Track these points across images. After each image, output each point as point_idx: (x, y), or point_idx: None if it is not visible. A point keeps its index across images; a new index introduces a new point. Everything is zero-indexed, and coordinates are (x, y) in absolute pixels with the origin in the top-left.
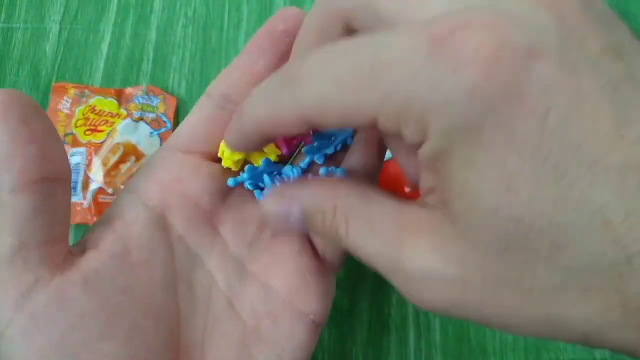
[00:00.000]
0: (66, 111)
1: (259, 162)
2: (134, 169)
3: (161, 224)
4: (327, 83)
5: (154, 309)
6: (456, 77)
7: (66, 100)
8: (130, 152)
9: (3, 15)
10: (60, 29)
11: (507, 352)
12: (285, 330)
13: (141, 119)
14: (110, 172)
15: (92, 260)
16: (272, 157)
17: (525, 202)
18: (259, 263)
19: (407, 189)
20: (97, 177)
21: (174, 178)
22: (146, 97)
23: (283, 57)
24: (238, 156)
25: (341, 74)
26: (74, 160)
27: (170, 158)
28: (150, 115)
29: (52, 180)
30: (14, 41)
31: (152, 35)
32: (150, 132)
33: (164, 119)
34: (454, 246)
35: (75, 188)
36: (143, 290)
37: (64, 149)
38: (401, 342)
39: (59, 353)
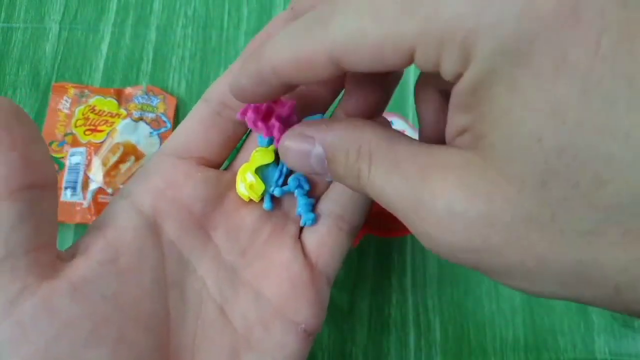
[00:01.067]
0: (66, 111)
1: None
2: (134, 169)
3: (153, 229)
4: (362, 13)
5: (143, 316)
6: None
7: (66, 100)
8: (130, 152)
9: (3, 15)
10: (60, 29)
11: (507, 352)
12: (276, 339)
13: (141, 119)
14: (110, 172)
15: (80, 267)
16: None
17: (571, 129)
18: (251, 270)
19: None
20: (96, 177)
21: (167, 183)
22: (146, 97)
23: None
24: (261, 188)
25: (379, 2)
26: (73, 160)
27: (164, 163)
28: (150, 115)
29: (37, 187)
30: (14, 41)
31: (152, 35)
32: (150, 132)
33: (164, 118)
34: (484, 181)
35: (75, 188)
36: (131, 297)
37: (49, 155)
38: (401, 342)
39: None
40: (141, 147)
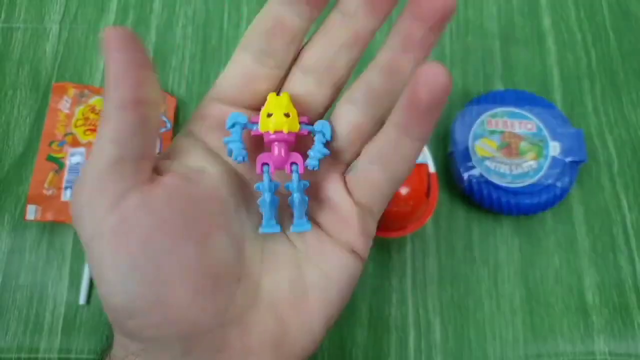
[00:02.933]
0: (66, 111)
1: (279, 119)
2: None
3: (219, 161)
4: None
5: (224, 223)
6: None
7: (66, 100)
8: None
9: (3, 15)
10: (60, 29)
11: (507, 352)
12: (333, 260)
13: None
14: None
15: (171, 179)
16: (285, 128)
17: None
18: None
19: (402, 192)
20: None
21: (221, 125)
22: None
23: (318, 6)
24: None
25: None
26: (73, 160)
27: (217, 107)
28: None
29: (150, 103)
30: (14, 41)
31: (152, 35)
32: None
33: (164, 119)
34: None
35: None
36: (215, 206)
37: (157, 77)
38: (401, 342)
39: (143, 250)
40: None
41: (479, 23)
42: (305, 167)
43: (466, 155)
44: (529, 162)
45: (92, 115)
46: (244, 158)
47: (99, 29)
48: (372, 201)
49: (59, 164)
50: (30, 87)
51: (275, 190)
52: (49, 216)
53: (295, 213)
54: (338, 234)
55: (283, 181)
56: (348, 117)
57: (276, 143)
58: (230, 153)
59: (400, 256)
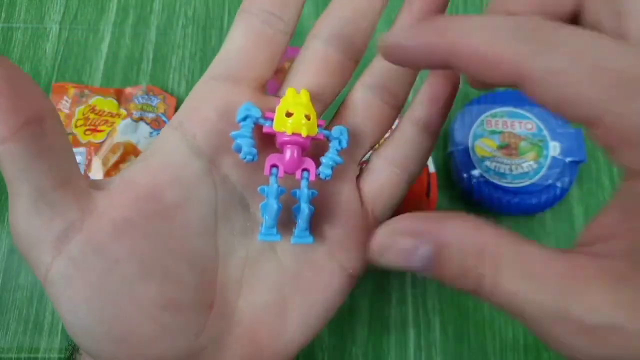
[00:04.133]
0: (66, 111)
1: (299, 117)
2: None
3: (205, 162)
4: (581, 63)
5: (188, 253)
6: None
7: (66, 100)
8: (130, 152)
9: (3, 15)
10: (60, 29)
11: (507, 352)
12: (324, 281)
13: (141, 118)
14: (110, 172)
15: (121, 203)
16: (304, 132)
17: None
18: None
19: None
20: (97, 177)
21: (220, 115)
22: (146, 97)
23: None
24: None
25: (601, 64)
26: None
27: (216, 90)
28: (150, 115)
29: (36, 121)
30: (14, 41)
31: (152, 35)
32: (150, 132)
33: (164, 118)
34: None
35: None
36: (178, 234)
37: (38, 88)
38: (401, 342)
39: (99, 295)
40: (141, 147)
41: None
42: (317, 175)
43: (466, 155)
44: (529, 162)
45: (92, 115)
46: (253, 157)
47: (99, 29)
48: (383, 211)
49: None
50: None
51: (280, 195)
52: None
53: (299, 224)
54: (339, 251)
55: (289, 186)
56: (363, 103)
57: (290, 146)
58: (238, 149)
59: None
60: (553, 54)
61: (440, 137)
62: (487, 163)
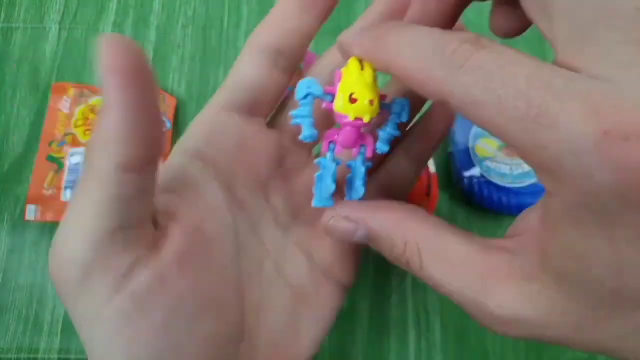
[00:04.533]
0: (66, 111)
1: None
2: None
3: (228, 193)
4: (489, 91)
5: (229, 282)
6: (613, 176)
7: (65, 100)
8: None
9: (3, 15)
10: (59, 28)
11: (507, 353)
12: (326, 296)
13: None
14: None
15: (178, 238)
16: (367, 118)
17: (628, 281)
18: (302, 233)
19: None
20: None
21: (238, 146)
22: None
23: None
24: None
25: (509, 92)
26: (73, 160)
27: (230, 122)
28: None
29: (153, 162)
30: (13, 41)
31: (152, 35)
32: None
33: (164, 118)
34: (544, 296)
35: (74, 188)
36: (220, 264)
37: (162, 130)
38: (401, 342)
39: (164, 336)
40: None
41: (479, 23)
42: (373, 151)
43: (466, 155)
44: None
45: (91, 115)
46: (313, 138)
47: (98, 28)
48: None
49: (58, 164)
50: (29, 86)
51: (337, 166)
52: (49, 216)
53: (356, 182)
54: (335, 267)
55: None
56: None
57: (350, 127)
58: (296, 125)
59: None
60: (466, 83)
61: None
62: (488, 163)
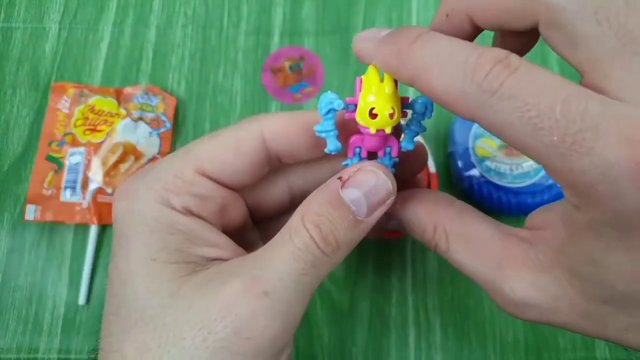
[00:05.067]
0: (65, 111)
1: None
2: (134, 169)
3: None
4: (524, 119)
5: None
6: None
7: (65, 100)
8: (129, 152)
9: (2, 14)
10: (59, 28)
11: (507, 352)
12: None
13: (140, 118)
14: (110, 172)
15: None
16: (388, 129)
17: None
18: None
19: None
20: (96, 177)
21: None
22: (145, 96)
23: None
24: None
25: (545, 121)
26: (73, 160)
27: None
28: (150, 115)
29: None
30: (13, 41)
31: (152, 34)
32: (150, 132)
33: (164, 118)
34: (555, 285)
35: (74, 188)
36: None
37: None
38: (401, 342)
39: None
40: (141, 147)
41: None
42: (399, 149)
43: (466, 155)
44: (530, 162)
45: (91, 115)
46: (338, 151)
47: (98, 28)
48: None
49: (58, 164)
50: (29, 86)
51: None
52: (49, 216)
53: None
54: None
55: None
56: None
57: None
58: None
59: (400, 256)
60: (500, 110)
61: (440, 138)
62: (488, 163)
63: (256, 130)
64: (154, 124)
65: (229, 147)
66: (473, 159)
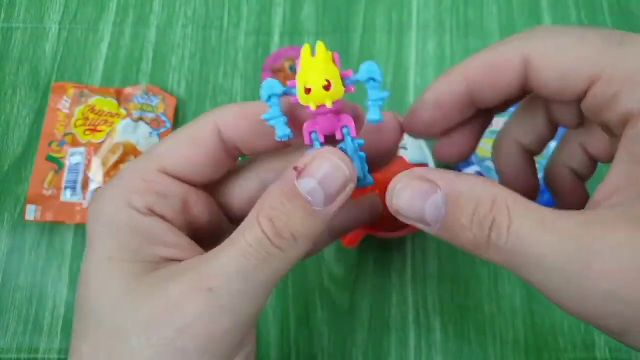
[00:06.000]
0: (65, 111)
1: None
2: None
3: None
4: (564, 33)
5: None
6: None
7: (65, 100)
8: (129, 152)
9: (3, 15)
10: (59, 28)
11: (507, 352)
12: None
13: (140, 118)
14: (110, 172)
15: None
16: (329, 103)
17: None
18: None
19: None
20: (96, 177)
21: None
22: (145, 96)
23: None
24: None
25: (583, 30)
26: (73, 160)
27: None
28: (150, 115)
29: None
30: (13, 41)
31: (152, 34)
32: (150, 132)
33: (164, 118)
34: None
35: (74, 188)
36: None
37: None
38: (401, 342)
39: None
40: (141, 147)
41: (479, 23)
42: (369, 122)
43: None
44: None
45: (91, 115)
46: (288, 136)
47: (98, 28)
48: None
49: (58, 164)
50: (29, 86)
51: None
52: (49, 216)
53: (357, 165)
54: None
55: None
56: None
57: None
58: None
59: (400, 256)
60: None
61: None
62: (488, 163)
63: (210, 123)
64: (154, 124)
65: (185, 142)
66: (473, 158)
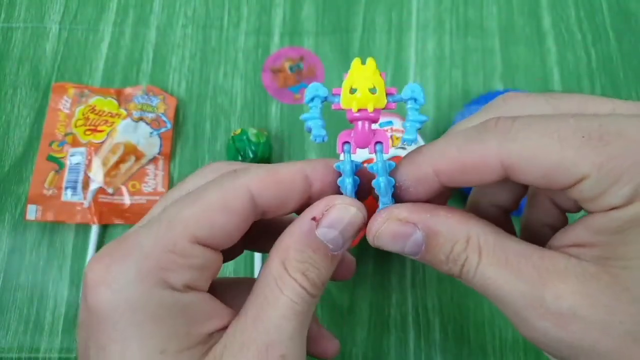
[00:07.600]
0: (66, 111)
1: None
2: (134, 169)
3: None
4: (544, 133)
5: None
6: None
7: (66, 100)
8: (130, 152)
9: (3, 15)
10: (60, 28)
11: (507, 352)
12: None
13: (141, 118)
14: (111, 172)
15: None
16: (370, 107)
17: None
18: None
19: None
20: (97, 177)
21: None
22: (146, 97)
23: None
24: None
25: (562, 127)
26: (74, 160)
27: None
28: (150, 115)
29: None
30: (14, 41)
31: (152, 35)
32: (150, 132)
33: (164, 118)
34: (606, 295)
35: (75, 188)
36: None
37: None
38: (401, 342)
39: None
40: (141, 147)
41: (479, 23)
42: (403, 142)
43: None
44: None
45: (92, 116)
46: (323, 139)
47: (99, 28)
48: None
49: (59, 164)
50: (30, 86)
51: (356, 170)
52: (50, 216)
53: (381, 199)
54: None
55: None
56: None
57: (359, 122)
58: (308, 131)
59: (400, 256)
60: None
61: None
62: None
63: (243, 187)
64: (155, 124)
65: (219, 209)
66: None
